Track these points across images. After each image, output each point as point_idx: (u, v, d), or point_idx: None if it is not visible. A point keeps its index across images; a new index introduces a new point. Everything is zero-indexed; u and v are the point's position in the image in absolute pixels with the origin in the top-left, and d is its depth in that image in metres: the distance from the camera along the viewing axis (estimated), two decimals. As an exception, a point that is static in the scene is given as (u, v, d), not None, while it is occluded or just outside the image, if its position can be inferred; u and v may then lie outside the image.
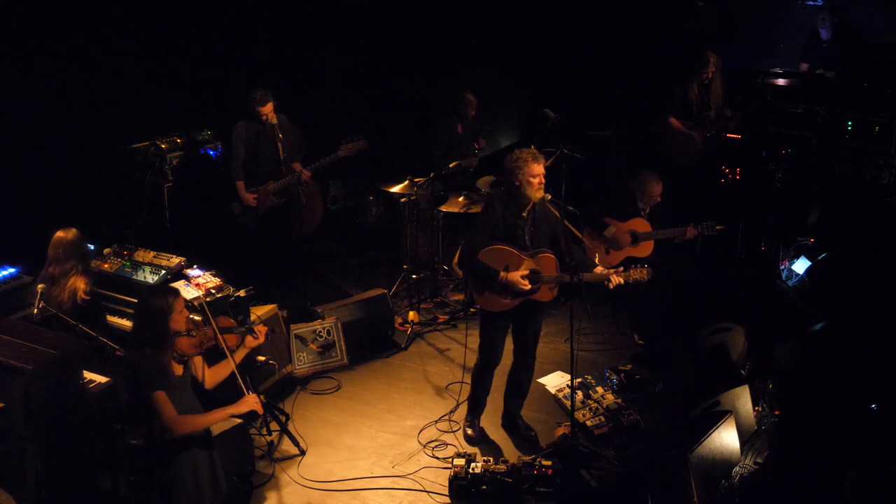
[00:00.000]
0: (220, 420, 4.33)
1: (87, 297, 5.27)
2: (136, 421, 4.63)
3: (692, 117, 7.84)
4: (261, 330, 4.60)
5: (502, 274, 5.18)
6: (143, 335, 4.10)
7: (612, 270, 5.27)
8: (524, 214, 5.26)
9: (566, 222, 5.36)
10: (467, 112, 8.01)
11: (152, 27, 7.43)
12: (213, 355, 4.46)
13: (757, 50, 9.29)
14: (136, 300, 4.45)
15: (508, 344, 5.60)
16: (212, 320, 4.47)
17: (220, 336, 4.41)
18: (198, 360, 4.37)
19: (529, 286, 5.21)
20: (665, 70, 8.56)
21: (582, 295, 5.12)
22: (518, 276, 5.18)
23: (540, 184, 5.15)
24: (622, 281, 5.26)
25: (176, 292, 4.24)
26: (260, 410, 4.33)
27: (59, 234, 5.31)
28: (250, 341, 4.57)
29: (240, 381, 4.38)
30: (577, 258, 5.28)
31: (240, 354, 4.55)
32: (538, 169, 5.13)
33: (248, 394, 4.32)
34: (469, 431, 5.73)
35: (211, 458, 4.33)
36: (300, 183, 7.14)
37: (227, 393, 4.47)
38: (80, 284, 5.25)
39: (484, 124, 8.36)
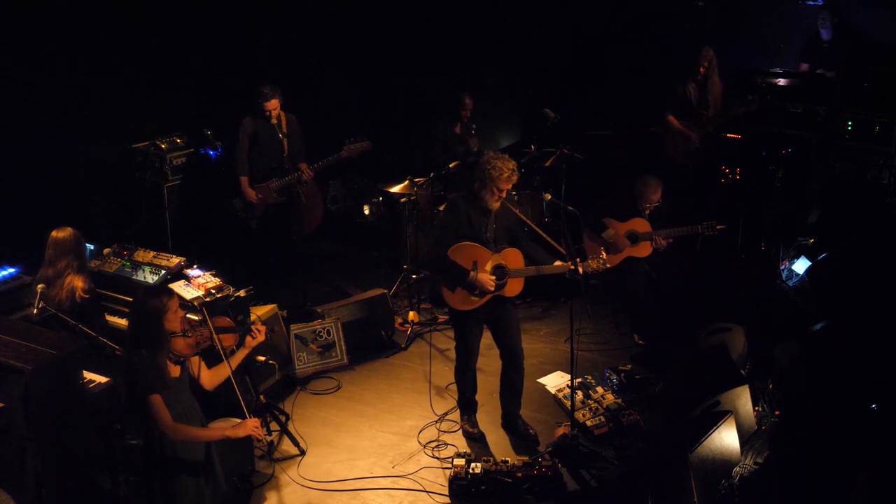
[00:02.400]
0: (216, 439, 4.29)
1: (87, 296, 5.25)
2: (135, 421, 4.63)
3: (691, 116, 7.84)
4: (260, 328, 4.58)
5: (472, 273, 5.26)
6: (138, 336, 4.09)
7: (570, 263, 5.30)
8: (487, 213, 5.34)
9: (526, 219, 5.45)
10: (462, 114, 8.04)
11: (153, 27, 7.43)
12: (217, 357, 4.45)
13: (757, 50, 9.28)
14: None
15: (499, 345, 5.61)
16: (208, 320, 4.45)
17: (215, 336, 4.40)
18: (195, 361, 4.36)
19: (494, 287, 5.31)
20: (665, 70, 8.56)
21: (582, 293, 5.14)
22: (486, 277, 5.28)
23: (500, 198, 5.26)
24: (581, 271, 5.31)
25: (171, 292, 4.23)
26: (259, 436, 4.30)
27: (54, 233, 5.30)
28: (250, 341, 4.56)
29: (241, 401, 4.36)
30: (539, 255, 5.41)
31: (241, 355, 4.54)
32: (506, 186, 5.23)
33: (248, 417, 4.32)
34: (468, 428, 5.75)
35: (210, 458, 4.33)
36: (300, 182, 7.14)
37: (230, 394, 4.46)
38: (77, 283, 5.23)
39: (477, 126, 8.35)
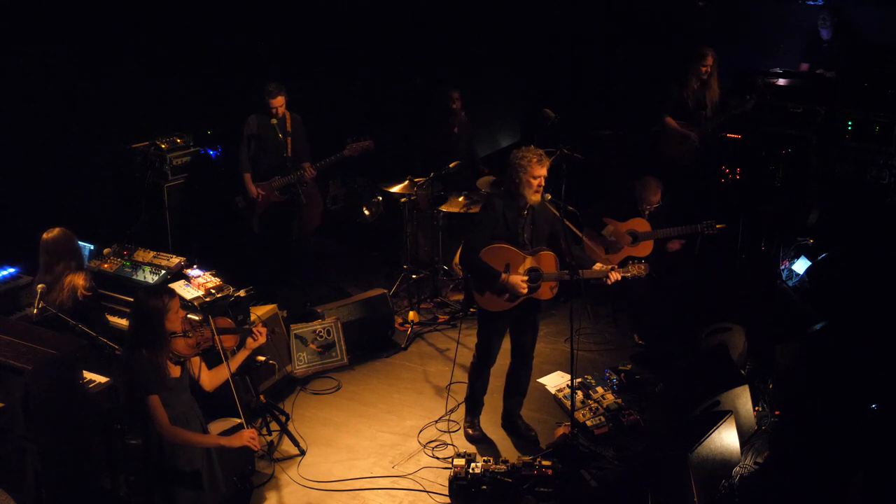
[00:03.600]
0: (211, 445, 4.30)
1: (89, 293, 5.22)
2: (134, 421, 4.63)
3: (689, 117, 7.83)
4: (261, 331, 4.58)
5: (504, 276, 5.17)
6: (138, 336, 4.09)
7: (610, 267, 5.27)
8: (524, 213, 5.26)
9: (566, 221, 5.36)
10: (451, 108, 8.08)
11: (153, 27, 7.43)
12: (217, 357, 4.44)
13: (757, 50, 9.29)
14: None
15: (506, 343, 5.59)
16: (210, 321, 4.45)
17: (216, 337, 4.39)
18: (195, 362, 4.35)
19: (527, 290, 5.22)
20: (665, 70, 8.57)
21: (582, 294, 5.13)
22: (518, 280, 5.19)
23: (539, 186, 5.14)
24: (620, 277, 5.27)
25: (172, 292, 4.23)
26: (255, 447, 4.31)
27: (44, 236, 5.20)
28: (251, 343, 4.55)
29: (239, 407, 4.35)
30: (577, 256, 5.30)
31: (241, 356, 4.54)
32: (540, 171, 5.12)
33: (246, 427, 4.31)
34: (470, 431, 5.73)
35: (210, 458, 4.33)
36: (302, 181, 7.15)
37: (229, 395, 4.46)
38: (78, 281, 5.20)
39: (476, 125, 8.39)
